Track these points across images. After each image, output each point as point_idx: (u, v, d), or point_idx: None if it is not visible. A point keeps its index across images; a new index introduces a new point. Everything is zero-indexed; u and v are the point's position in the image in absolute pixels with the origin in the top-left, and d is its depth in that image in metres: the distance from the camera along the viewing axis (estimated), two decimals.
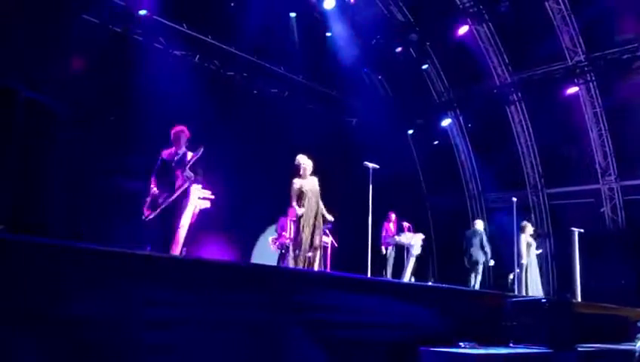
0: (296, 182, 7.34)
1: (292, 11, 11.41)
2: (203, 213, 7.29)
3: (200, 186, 7.21)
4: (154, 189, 6.25)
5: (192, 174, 6.14)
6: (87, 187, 8.17)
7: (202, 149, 6.07)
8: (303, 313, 3.65)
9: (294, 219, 9.81)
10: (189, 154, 6.30)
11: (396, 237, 10.49)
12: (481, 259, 10.71)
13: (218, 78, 10.99)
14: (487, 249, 10.74)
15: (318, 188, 7.44)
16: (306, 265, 7.22)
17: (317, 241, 7.33)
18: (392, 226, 10.78)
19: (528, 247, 10.02)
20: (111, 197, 8.33)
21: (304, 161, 7.40)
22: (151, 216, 6.21)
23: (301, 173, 7.36)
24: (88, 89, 8.19)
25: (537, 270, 10.13)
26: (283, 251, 9.89)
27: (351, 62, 12.62)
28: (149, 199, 6.28)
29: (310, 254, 7.23)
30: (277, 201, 9.72)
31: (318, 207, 7.37)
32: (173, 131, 6.40)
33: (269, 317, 3.48)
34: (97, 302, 2.69)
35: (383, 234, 10.79)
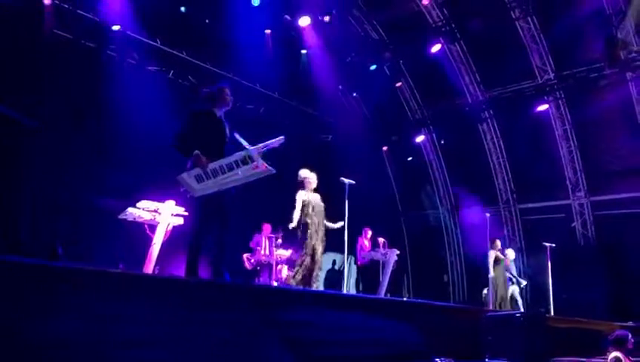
0: (301, 194, 7.15)
1: (267, 28, 11.44)
2: (176, 230, 7.20)
3: (173, 203, 7.12)
4: None
5: None
6: (62, 204, 7.99)
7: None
8: (280, 330, 3.60)
9: (271, 235, 9.80)
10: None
11: (371, 252, 10.50)
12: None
13: (193, 93, 10.91)
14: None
15: (322, 204, 7.29)
16: (303, 282, 6.99)
17: (318, 255, 7.13)
18: (366, 242, 10.79)
19: (497, 262, 10.18)
20: (86, 213, 8.16)
21: (307, 175, 7.28)
22: None
23: (306, 186, 7.21)
24: (62, 105, 8.06)
25: (506, 284, 10.30)
26: (258, 268, 9.82)
27: (326, 79, 12.70)
28: None
29: (311, 266, 7.01)
30: (251, 218, 9.67)
31: (321, 225, 7.19)
32: None
33: (246, 335, 3.42)
34: (71, 322, 2.61)
35: (358, 249, 10.78)
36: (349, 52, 13.10)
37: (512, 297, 10.68)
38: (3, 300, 2.46)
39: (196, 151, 4.58)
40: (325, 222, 7.30)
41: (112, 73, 9.30)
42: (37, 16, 8.04)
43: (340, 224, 7.45)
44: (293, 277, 7.07)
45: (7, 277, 2.51)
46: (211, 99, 5.05)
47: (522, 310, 10.47)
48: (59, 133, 7.86)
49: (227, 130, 5.01)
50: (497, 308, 9.66)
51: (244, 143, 4.79)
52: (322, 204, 7.28)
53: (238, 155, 4.67)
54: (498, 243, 10.41)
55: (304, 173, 7.30)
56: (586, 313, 9.62)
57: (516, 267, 12.11)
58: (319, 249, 7.11)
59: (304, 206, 7.07)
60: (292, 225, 7.04)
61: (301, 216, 7.03)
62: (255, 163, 4.63)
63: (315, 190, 7.30)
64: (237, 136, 4.90)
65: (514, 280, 10.81)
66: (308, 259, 6.99)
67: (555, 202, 13.42)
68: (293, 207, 7.06)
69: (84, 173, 8.45)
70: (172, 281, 3.58)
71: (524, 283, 11.06)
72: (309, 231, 6.99)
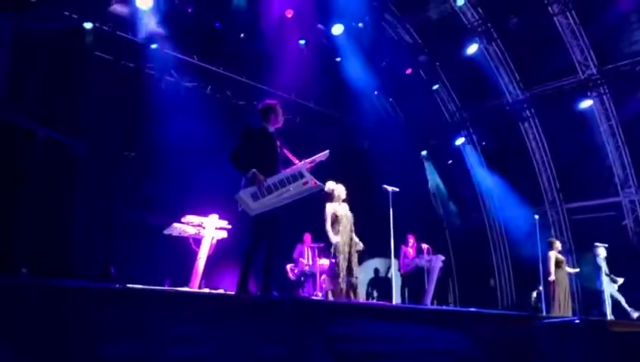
0: (330, 207, 7.14)
1: (301, 38, 11.48)
2: (220, 243, 7.25)
3: (217, 216, 7.18)
4: None
5: None
6: (110, 223, 8.16)
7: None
8: (329, 343, 3.55)
9: (313, 245, 9.76)
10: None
11: (416, 259, 10.34)
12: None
13: (230, 107, 11.04)
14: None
15: (350, 214, 7.26)
16: (344, 293, 6.94)
17: (354, 268, 7.10)
18: (410, 250, 10.63)
19: (559, 264, 9.78)
20: (134, 231, 8.29)
21: (334, 186, 7.24)
22: None
23: (334, 198, 7.18)
24: (105, 125, 8.26)
25: (567, 287, 9.89)
26: (302, 279, 9.79)
27: (361, 86, 12.63)
28: None
29: (350, 281, 6.98)
30: (294, 229, 9.66)
31: (352, 233, 7.19)
32: None
33: (295, 350, 3.38)
34: (125, 343, 2.62)
35: (402, 257, 10.64)
36: (383, 57, 13.00)
37: (612, 296, 10.10)
38: (55, 324, 2.48)
39: (253, 170, 4.59)
40: (355, 238, 7.24)
41: (152, 91, 9.49)
42: (79, 39, 8.27)
43: (361, 246, 7.37)
44: (333, 290, 7.08)
45: (59, 301, 2.53)
46: (264, 115, 5.08)
47: (628, 310, 9.96)
48: (105, 153, 8.04)
49: (279, 147, 5.03)
50: (558, 313, 9.26)
51: (294, 159, 4.82)
52: (351, 214, 7.25)
53: (289, 172, 4.72)
54: (558, 244, 9.99)
55: (331, 184, 7.20)
56: None
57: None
58: (353, 259, 7.10)
59: (333, 223, 7.07)
60: (335, 239, 6.99)
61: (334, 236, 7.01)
62: (305, 179, 4.66)
63: (344, 200, 7.29)
64: (287, 153, 4.93)
65: (609, 278, 10.15)
66: (343, 272, 6.94)
67: (604, 200, 12.96)
68: (324, 221, 7.07)
69: (129, 190, 8.61)
70: (224, 298, 3.57)
71: (620, 280, 10.24)
72: (339, 243, 6.98)
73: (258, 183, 4.58)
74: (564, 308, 9.55)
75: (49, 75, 7.18)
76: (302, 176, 4.69)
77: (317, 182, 4.75)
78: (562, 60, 12.34)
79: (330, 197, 7.16)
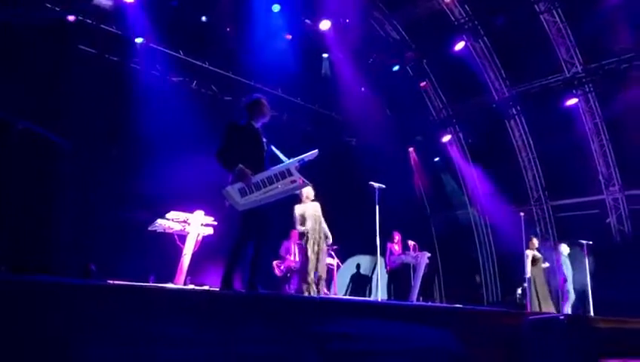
0: (298, 208, 7.47)
1: (288, 33, 11.40)
2: (206, 240, 7.17)
3: (202, 213, 7.10)
4: None
5: None
6: (93, 220, 8.05)
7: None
8: (318, 341, 3.51)
9: (299, 242, 9.74)
10: None
11: (402, 256, 10.34)
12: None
13: (216, 103, 10.93)
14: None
15: (319, 213, 7.53)
16: (312, 290, 7.24)
17: (321, 266, 7.45)
18: (396, 246, 10.62)
19: (535, 262, 10.01)
20: (116, 227, 8.19)
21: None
22: None
23: (303, 199, 7.48)
24: (88, 119, 8.12)
25: (545, 284, 10.12)
26: (288, 275, 9.74)
27: (348, 82, 12.59)
28: None
29: (317, 278, 7.32)
30: (280, 225, 9.60)
31: (320, 233, 7.47)
32: None
33: (283, 348, 3.34)
34: (106, 341, 2.55)
35: (388, 255, 10.63)
36: (370, 54, 12.98)
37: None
38: (36, 322, 2.41)
39: (240, 165, 4.54)
40: (324, 226, 7.60)
41: (137, 85, 9.35)
42: (61, 32, 8.12)
43: (330, 240, 7.75)
44: (305, 286, 7.32)
45: (39, 298, 2.46)
46: (249, 111, 5.01)
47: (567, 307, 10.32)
48: (88, 149, 7.91)
49: (265, 143, 4.97)
50: (538, 309, 9.47)
51: (282, 157, 4.79)
52: (320, 214, 7.55)
53: (277, 169, 4.70)
54: (535, 241, 10.27)
55: None
56: (625, 312, 9.29)
57: (550, 265, 11.80)
58: (321, 262, 7.48)
59: (302, 223, 7.46)
60: (301, 229, 7.46)
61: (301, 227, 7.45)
62: (294, 177, 4.64)
63: (313, 200, 7.59)
64: (274, 149, 4.89)
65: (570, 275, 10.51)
66: (311, 266, 7.32)
67: (588, 198, 13.07)
68: (294, 222, 7.46)
69: (112, 186, 8.49)
70: (208, 295, 3.51)
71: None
72: (308, 241, 7.37)
73: (246, 179, 4.52)
74: (544, 304, 9.76)
75: (31, 68, 7.03)
76: (290, 173, 4.67)
77: (305, 180, 4.73)
78: (548, 58, 12.41)
79: (299, 198, 7.43)
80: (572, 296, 10.43)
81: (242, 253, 4.68)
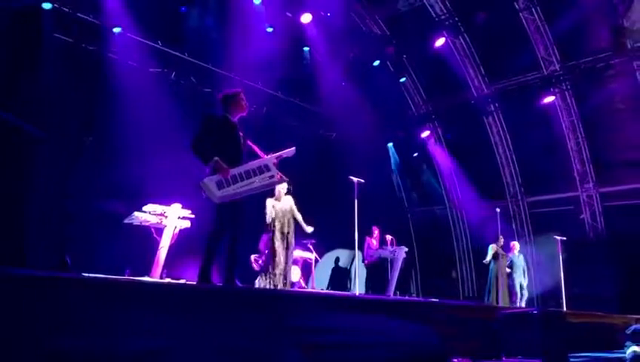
0: (269, 202, 7.56)
1: (269, 26, 11.32)
2: (183, 233, 7.11)
3: (180, 205, 7.04)
4: None
5: None
6: (68, 211, 7.90)
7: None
8: (294, 334, 3.51)
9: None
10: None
11: (379, 250, 10.40)
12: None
13: (195, 94, 10.81)
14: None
15: (290, 207, 7.62)
16: (276, 282, 7.37)
17: (289, 259, 7.54)
18: (374, 241, 10.68)
19: (496, 256, 10.61)
20: (92, 219, 8.06)
21: None
22: None
23: (276, 194, 7.56)
24: (63, 109, 7.97)
25: (506, 280, 10.70)
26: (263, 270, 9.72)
27: (329, 76, 12.57)
28: None
29: (284, 271, 7.41)
30: (259, 219, 9.57)
31: (289, 227, 7.55)
32: None
33: (259, 341, 3.33)
34: (81, 335, 2.51)
35: (366, 248, 10.68)
36: (351, 48, 12.97)
37: (522, 287, 11.04)
38: (11, 315, 2.36)
39: (215, 158, 4.51)
40: (299, 218, 7.68)
41: (114, 76, 9.20)
42: (36, 20, 7.94)
43: (310, 229, 7.81)
44: (272, 276, 7.49)
45: (12, 291, 2.41)
46: (226, 104, 4.97)
47: (523, 302, 10.92)
48: (62, 139, 7.76)
49: (241, 137, 4.95)
50: (493, 302, 10.13)
51: (259, 152, 4.80)
52: (291, 208, 7.64)
53: (255, 164, 4.73)
54: (501, 238, 10.82)
55: None
56: (597, 306, 9.51)
57: (528, 259, 12.07)
58: (289, 256, 7.59)
59: (272, 211, 7.51)
60: (269, 219, 7.53)
61: (271, 220, 7.51)
62: (271, 173, 4.67)
63: (287, 193, 7.67)
64: (251, 144, 4.89)
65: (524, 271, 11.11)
66: (277, 258, 7.42)
67: (563, 194, 13.29)
68: (265, 215, 7.54)
69: (88, 178, 8.34)
70: (185, 289, 3.49)
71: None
72: (275, 234, 7.46)
73: (223, 172, 4.51)
74: (502, 299, 10.28)
75: (4, 55, 6.87)
76: (268, 169, 4.71)
77: (282, 176, 4.78)
78: (527, 56, 12.54)
79: (270, 192, 7.49)
80: (525, 294, 11.02)
81: (218, 246, 4.67)
